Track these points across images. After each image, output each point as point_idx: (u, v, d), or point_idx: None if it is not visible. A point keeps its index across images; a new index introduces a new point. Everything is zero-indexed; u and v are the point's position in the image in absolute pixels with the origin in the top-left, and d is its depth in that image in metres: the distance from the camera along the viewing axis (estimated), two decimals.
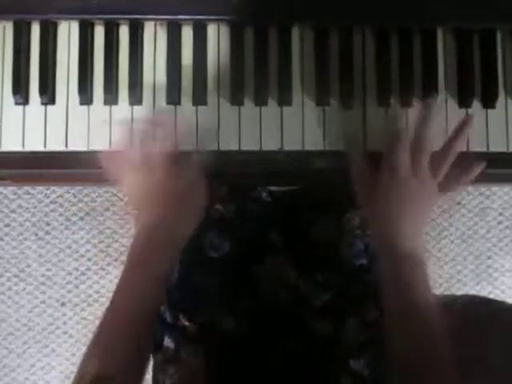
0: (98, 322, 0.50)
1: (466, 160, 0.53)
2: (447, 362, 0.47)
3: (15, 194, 1.24)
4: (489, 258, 1.26)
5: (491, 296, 1.25)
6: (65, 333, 1.22)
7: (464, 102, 0.54)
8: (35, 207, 1.24)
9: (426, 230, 0.52)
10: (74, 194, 1.24)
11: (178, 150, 0.52)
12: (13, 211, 1.24)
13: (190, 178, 0.53)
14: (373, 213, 0.53)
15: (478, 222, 1.26)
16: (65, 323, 1.22)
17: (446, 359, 0.47)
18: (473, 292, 1.25)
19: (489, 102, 0.54)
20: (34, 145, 0.52)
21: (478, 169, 0.53)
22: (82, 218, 1.24)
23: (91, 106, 0.53)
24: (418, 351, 0.48)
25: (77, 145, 0.52)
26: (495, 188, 1.26)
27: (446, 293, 1.24)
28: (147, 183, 0.51)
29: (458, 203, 1.25)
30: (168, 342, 0.65)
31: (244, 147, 0.53)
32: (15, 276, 1.23)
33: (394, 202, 0.50)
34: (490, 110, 0.54)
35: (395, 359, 0.49)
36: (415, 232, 0.51)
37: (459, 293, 1.22)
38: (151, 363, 0.68)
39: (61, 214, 1.24)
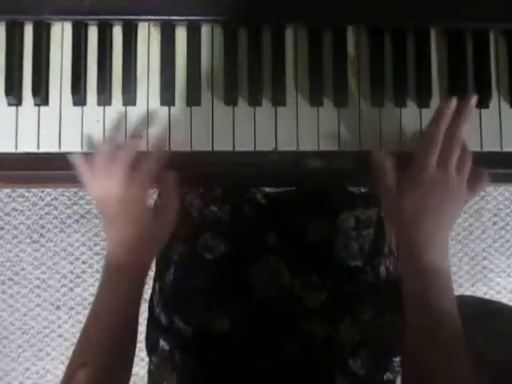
0: (83, 327, 0.51)
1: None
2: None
3: (9, 196, 1.23)
4: (484, 258, 1.26)
5: (487, 296, 1.25)
6: (60, 336, 1.21)
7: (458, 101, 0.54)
8: (30, 210, 1.23)
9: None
10: (68, 196, 1.23)
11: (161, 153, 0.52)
12: (7, 214, 1.23)
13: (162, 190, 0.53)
14: (399, 221, 0.51)
15: (473, 223, 1.26)
16: (60, 326, 1.22)
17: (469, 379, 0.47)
18: (468, 293, 1.25)
19: (482, 101, 0.54)
20: (28, 146, 0.52)
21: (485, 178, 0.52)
22: (77, 221, 1.23)
23: (85, 107, 0.52)
24: (442, 370, 0.47)
25: (70, 146, 0.52)
26: (490, 189, 1.26)
27: None
28: (119, 195, 0.51)
29: None
30: (163, 345, 0.64)
31: (238, 148, 0.53)
32: (10, 279, 1.22)
33: (424, 209, 0.49)
34: (483, 110, 0.54)
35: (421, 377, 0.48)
36: (443, 242, 0.50)
37: (455, 294, 1.23)
38: (147, 366, 0.68)
39: (55, 217, 1.23)
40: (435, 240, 0.50)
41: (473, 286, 1.26)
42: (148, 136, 0.52)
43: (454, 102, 0.50)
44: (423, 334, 0.49)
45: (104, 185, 0.51)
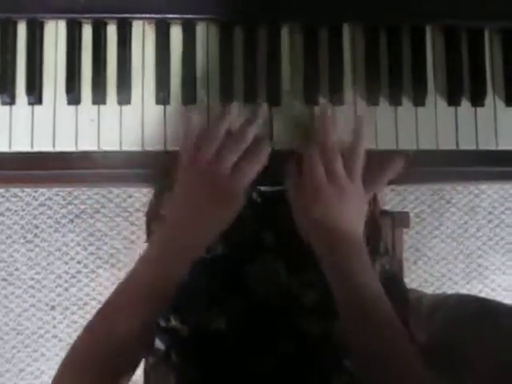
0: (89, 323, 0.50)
1: (388, 157, 0.52)
2: (408, 352, 0.47)
3: (3, 196, 1.22)
4: (479, 256, 1.27)
5: (482, 294, 1.26)
6: (54, 337, 1.21)
7: (453, 100, 0.54)
8: (23, 210, 1.22)
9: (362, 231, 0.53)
10: (63, 196, 1.23)
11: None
12: (1, 214, 1.22)
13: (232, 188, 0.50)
14: (301, 218, 0.53)
15: (468, 221, 1.27)
16: (54, 327, 1.21)
17: (405, 349, 0.48)
18: (464, 291, 1.26)
19: (478, 99, 0.54)
20: (21, 145, 0.52)
21: (399, 164, 0.52)
22: (71, 221, 1.23)
23: (79, 106, 0.52)
24: (375, 343, 0.48)
25: (65, 145, 0.52)
26: (484, 186, 1.27)
27: (436, 292, 1.24)
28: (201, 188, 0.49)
29: (448, 202, 1.26)
30: (159, 345, 0.64)
31: None
32: (4, 280, 1.21)
33: (318, 210, 0.50)
34: (478, 108, 0.54)
35: (357, 354, 0.50)
36: (351, 228, 0.51)
37: (450, 292, 1.23)
38: (142, 365, 0.68)
39: (50, 217, 1.22)
40: (345, 241, 0.51)
41: (468, 283, 1.27)
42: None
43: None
44: (349, 310, 0.50)
45: (201, 180, 0.49)
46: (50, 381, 0.48)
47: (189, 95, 0.53)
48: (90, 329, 0.50)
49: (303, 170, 0.51)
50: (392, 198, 1.25)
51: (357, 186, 0.51)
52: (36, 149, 0.52)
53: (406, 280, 0.78)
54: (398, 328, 0.49)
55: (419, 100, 0.54)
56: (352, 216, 0.52)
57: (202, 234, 0.51)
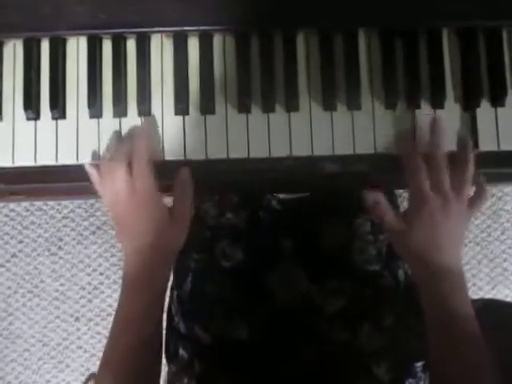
0: (108, 339, 0.51)
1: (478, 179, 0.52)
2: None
3: (27, 210, 1.25)
4: (504, 260, 1.24)
5: (508, 299, 1.23)
6: (79, 348, 1.22)
7: (472, 101, 0.54)
8: (47, 223, 1.25)
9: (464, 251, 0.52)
10: (85, 208, 1.25)
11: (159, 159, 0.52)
12: (26, 228, 1.25)
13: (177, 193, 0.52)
14: (411, 256, 0.52)
15: (491, 225, 1.24)
16: (79, 338, 1.23)
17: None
18: (489, 296, 1.23)
19: (497, 100, 0.53)
20: (46, 159, 0.53)
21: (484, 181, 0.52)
22: (93, 233, 1.25)
23: (101, 119, 0.53)
24: (464, 377, 0.47)
25: (88, 158, 0.53)
26: (507, 189, 1.25)
27: None
28: (126, 196, 0.50)
29: None
30: (182, 353, 0.64)
31: (253, 154, 0.53)
32: (29, 292, 1.24)
33: (432, 242, 0.49)
34: (499, 109, 0.54)
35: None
36: (452, 251, 0.50)
37: (475, 297, 1.21)
38: (166, 373, 0.68)
39: (73, 229, 1.25)
40: (451, 266, 0.50)
41: (493, 288, 1.24)
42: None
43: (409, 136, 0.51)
44: (441, 338, 0.49)
45: (110, 186, 0.50)
46: None
47: (207, 105, 0.53)
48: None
49: (410, 197, 0.50)
50: None
51: (463, 204, 0.50)
52: (60, 162, 0.53)
53: None
54: (488, 366, 0.47)
55: (437, 103, 0.54)
56: (456, 234, 0.51)
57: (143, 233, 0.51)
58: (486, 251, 1.25)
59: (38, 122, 0.53)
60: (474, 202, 0.52)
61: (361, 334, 0.61)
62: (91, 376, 0.45)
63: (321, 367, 0.60)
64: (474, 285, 1.24)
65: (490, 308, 0.69)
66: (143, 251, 0.51)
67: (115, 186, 0.50)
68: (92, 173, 0.52)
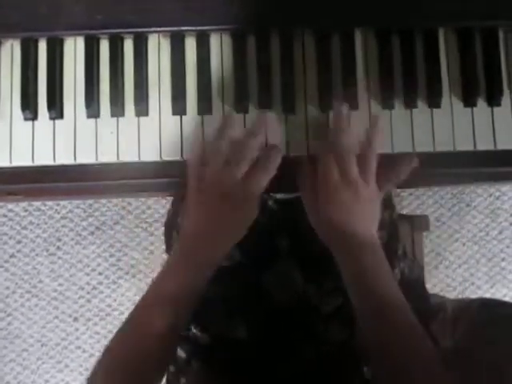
0: (111, 336, 0.50)
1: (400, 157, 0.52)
2: (431, 358, 0.47)
3: (26, 210, 1.25)
4: (502, 259, 1.24)
5: (506, 299, 1.23)
6: (78, 348, 1.22)
7: (468, 100, 0.54)
8: (46, 223, 1.25)
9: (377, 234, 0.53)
10: (83, 208, 1.25)
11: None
12: (24, 228, 1.25)
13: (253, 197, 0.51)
14: (318, 222, 0.53)
15: (489, 224, 1.24)
16: (78, 338, 1.23)
17: (428, 355, 0.47)
18: (487, 295, 1.23)
19: (494, 99, 0.54)
20: (44, 159, 0.53)
21: (410, 164, 0.52)
22: (92, 233, 1.25)
23: (98, 119, 0.53)
24: (393, 347, 0.47)
25: (85, 157, 0.53)
26: (505, 188, 1.25)
27: (459, 296, 1.22)
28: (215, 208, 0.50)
29: (468, 205, 1.24)
30: (180, 353, 0.64)
31: None
32: (28, 292, 1.24)
33: (332, 211, 0.51)
34: (495, 108, 0.54)
35: (375, 359, 0.49)
36: (364, 230, 0.51)
37: (473, 296, 1.21)
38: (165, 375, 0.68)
39: (71, 229, 1.25)
40: (365, 243, 0.51)
41: (492, 287, 1.24)
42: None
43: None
44: (365, 312, 0.50)
45: (214, 188, 0.49)
46: None
47: (204, 105, 0.53)
48: (119, 335, 0.51)
49: (318, 171, 0.51)
50: (411, 202, 1.24)
51: (371, 187, 0.51)
52: (58, 162, 0.53)
53: (428, 285, 0.77)
54: (417, 330, 0.48)
55: (434, 102, 0.54)
56: (366, 217, 0.52)
57: (220, 245, 0.52)
58: (484, 250, 1.25)
59: (36, 122, 0.53)
60: (384, 182, 0.52)
61: (357, 334, 0.61)
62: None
63: (318, 366, 0.60)
64: (473, 284, 1.25)
65: (486, 307, 0.69)
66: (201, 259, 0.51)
67: (223, 189, 0.49)
68: (194, 159, 0.50)
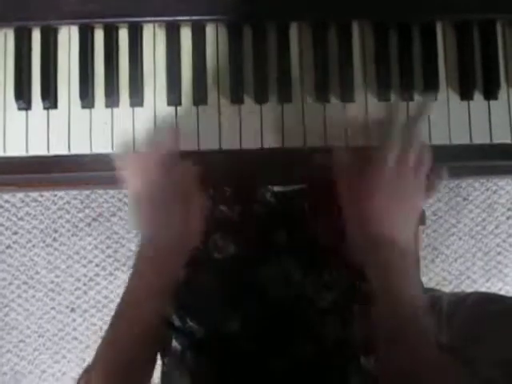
0: (107, 328, 0.51)
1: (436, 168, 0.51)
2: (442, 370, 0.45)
3: (23, 201, 1.25)
4: (498, 253, 1.25)
5: (502, 292, 1.23)
6: (75, 339, 1.23)
7: (465, 94, 0.54)
8: (43, 214, 1.25)
9: (416, 231, 0.50)
10: (80, 200, 1.25)
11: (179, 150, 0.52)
12: (21, 219, 1.25)
13: (190, 181, 0.52)
14: (354, 210, 0.50)
15: (486, 218, 1.24)
16: (75, 329, 1.23)
17: (441, 367, 0.45)
18: (483, 289, 1.24)
19: (491, 93, 0.53)
20: (38, 149, 0.53)
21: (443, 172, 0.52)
22: (89, 224, 1.24)
23: (93, 110, 0.53)
24: (410, 360, 0.45)
25: (80, 148, 0.53)
26: (502, 183, 1.25)
27: (455, 290, 1.22)
28: (151, 186, 0.50)
29: (465, 199, 1.24)
30: (175, 345, 0.64)
31: (245, 146, 0.53)
32: (24, 283, 1.24)
33: (379, 200, 0.48)
34: (492, 102, 0.54)
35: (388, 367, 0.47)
36: (403, 227, 0.49)
37: (469, 290, 1.21)
38: (159, 367, 0.68)
39: (68, 221, 1.24)
40: (397, 240, 0.48)
41: (487, 281, 1.25)
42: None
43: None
44: (383, 319, 0.48)
45: (144, 176, 0.50)
46: (71, 382, 0.49)
47: (200, 96, 0.53)
48: (110, 326, 0.51)
49: (370, 158, 0.49)
50: None
51: (421, 184, 0.50)
52: (52, 152, 0.53)
53: (424, 279, 0.77)
54: (431, 347, 0.46)
55: (431, 95, 0.53)
56: (412, 213, 0.50)
57: (183, 224, 0.51)
58: (480, 244, 1.25)
59: (30, 111, 0.53)
60: (430, 187, 0.51)
61: (353, 328, 0.61)
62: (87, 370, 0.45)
63: (312, 361, 0.60)
64: (468, 278, 1.25)
65: (483, 301, 0.69)
66: (161, 243, 0.51)
67: (149, 176, 0.49)
68: (122, 161, 0.51)
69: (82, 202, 1.25)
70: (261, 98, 0.53)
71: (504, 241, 1.25)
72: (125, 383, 0.49)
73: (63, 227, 1.25)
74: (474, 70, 0.53)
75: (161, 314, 0.52)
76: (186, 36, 0.54)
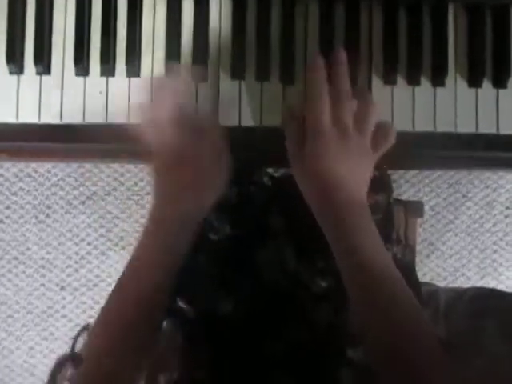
0: (97, 307, 0.50)
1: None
2: (429, 339, 0.43)
3: (16, 176, 1.23)
4: (494, 252, 1.24)
5: None
6: (64, 316, 1.22)
7: (474, 80, 0.52)
8: (36, 190, 1.23)
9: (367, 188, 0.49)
10: (75, 177, 1.23)
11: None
12: (14, 194, 1.23)
13: (216, 146, 0.49)
14: (302, 172, 0.49)
15: (484, 216, 1.24)
16: (64, 307, 1.22)
17: (426, 335, 0.44)
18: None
19: (500, 81, 0.52)
20: (29, 117, 0.51)
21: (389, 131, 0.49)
22: (83, 202, 1.23)
23: (87, 78, 0.51)
24: (384, 319, 0.44)
25: (72, 117, 0.51)
26: (502, 181, 1.24)
27: (449, 286, 1.22)
28: (176, 144, 0.48)
29: (464, 196, 1.23)
30: (165, 326, 0.64)
31: (244, 123, 0.51)
32: (15, 258, 1.23)
33: (321, 158, 0.47)
34: (500, 90, 0.52)
35: (366, 336, 0.46)
36: (355, 186, 0.48)
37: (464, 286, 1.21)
38: None
39: (62, 198, 1.23)
40: (351, 202, 0.47)
41: (482, 279, 1.24)
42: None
43: (320, 58, 0.48)
44: (350, 278, 0.47)
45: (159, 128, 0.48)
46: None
47: (199, 70, 0.51)
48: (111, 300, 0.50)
49: (307, 116, 0.47)
50: (407, 190, 1.23)
51: (364, 141, 0.48)
52: (43, 121, 0.51)
53: (419, 274, 0.76)
54: (412, 299, 0.45)
55: (439, 80, 0.52)
56: (358, 171, 0.48)
57: (194, 200, 0.50)
58: (476, 242, 1.24)
59: (22, 76, 0.51)
60: (378, 142, 0.49)
61: (345, 316, 0.60)
62: (85, 328, 0.45)
63: (303, 347, 0.59)
64: (463, 275, 1.24)
65: (482, 297, 0.68)
66: (172, 204, 0.49)
67: (169, 134, 0.47)
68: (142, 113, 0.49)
69: (76, 180, 1.23)
70: (262, 76, 0.51)
71: (501, 239, 1.25)
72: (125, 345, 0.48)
73: (57, 204, 1.23)
74: (484, 56, 0.52)
75: (162, 288, 0.50)
76: (187, 7, 0.52)
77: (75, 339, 0.47)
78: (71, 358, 0.44)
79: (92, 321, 0.50)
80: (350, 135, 0.47)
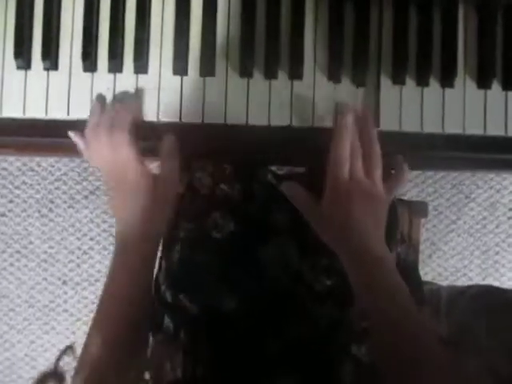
0: (98, 302, 0.51)
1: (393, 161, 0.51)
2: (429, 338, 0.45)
3: (19, 170, 1.23)
4: (496, 253, 1.24)
5: None
6: (65, 311, 1.22)
7: (483, 82, 0.52)
8: (39, 184, 1.23)
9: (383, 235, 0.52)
10: (78, 172, 1.23)
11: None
12: (17, 188, 1.23)
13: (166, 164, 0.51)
14: (329, 239, 0.52)
15: (487, 217, 1.23)
16: (65, 301, 1.22)
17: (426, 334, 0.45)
18: None
19: (510, 83, 0.51)
20: (35, 112, 0.51)
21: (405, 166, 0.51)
22: (86, 197, 1.23)
23: (95, 74, 0.51)
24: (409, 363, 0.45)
25: (79, 113, 0.51)
26: (506, 182, 1.23)
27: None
28: (110, 164, 0.50)
29: (467, 196, 1.23)
30: (168, 322, 0.63)
31: (252, 122, 0.51)
32: (17, 252, 1.23)
33: (349, 224, 0.49)
34: (510, 92, 0.52)
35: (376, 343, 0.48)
36: (369, 233, 0.50)
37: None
38: (151, 344, 0.67)
39: (65, 192, 1.23)
40: (370, 249, 0.49)
41: (483, 280, 1.24)
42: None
43: (350, 116, 0.49)
44: (382, 331, 0.48)
45: (96, 150, 0.50)
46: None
47: (207, 67, 0.51)
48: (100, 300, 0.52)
49: (328, 182, 0.50)
50: (410, 190, 1.23)
51: (378, 187, 0.49)
52: (50, 116, 0.51)
53: (420, 273, 0.76)
54: (432, 340, 0.46)
55: (448, 81, 0.51)
56: (371, 220, 0.50)
57: (150, 219, 0.52)
58: (479, 243, 1.24)
59: (29, 71, 0.51)
60: (391, 184, 0.51)
61: (348, 314, 0.60)
62: (68, 347, 0.45)
63: (305, 344, 0.59)
64: (465, 275, 1.24)
65: (485, 294, 0.68)
66: (129, 220, 0.51)
67: (100, 153, 0.49)
68: (77, 141, 0.51)
69: (79, 175, 1.23)
70: (270, 73, 0.51)
71: (503, 241, 1.24)
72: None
73: (60, 198, 1.23)
74: (494, 57, 0.51)
75: (138, 303, 0.53)
76: (196, 3, 0.51)
77: (59, 358, 0.48)
78: (54, 376, 0.45)
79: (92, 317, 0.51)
80: (364, 183, 0.49)
